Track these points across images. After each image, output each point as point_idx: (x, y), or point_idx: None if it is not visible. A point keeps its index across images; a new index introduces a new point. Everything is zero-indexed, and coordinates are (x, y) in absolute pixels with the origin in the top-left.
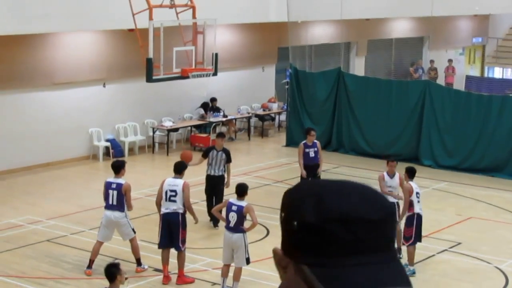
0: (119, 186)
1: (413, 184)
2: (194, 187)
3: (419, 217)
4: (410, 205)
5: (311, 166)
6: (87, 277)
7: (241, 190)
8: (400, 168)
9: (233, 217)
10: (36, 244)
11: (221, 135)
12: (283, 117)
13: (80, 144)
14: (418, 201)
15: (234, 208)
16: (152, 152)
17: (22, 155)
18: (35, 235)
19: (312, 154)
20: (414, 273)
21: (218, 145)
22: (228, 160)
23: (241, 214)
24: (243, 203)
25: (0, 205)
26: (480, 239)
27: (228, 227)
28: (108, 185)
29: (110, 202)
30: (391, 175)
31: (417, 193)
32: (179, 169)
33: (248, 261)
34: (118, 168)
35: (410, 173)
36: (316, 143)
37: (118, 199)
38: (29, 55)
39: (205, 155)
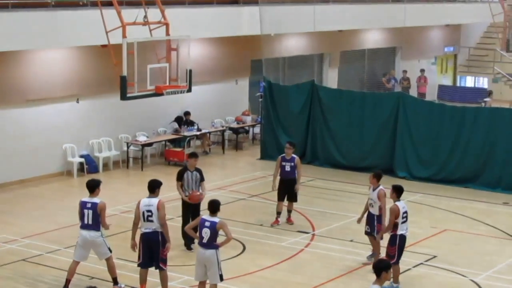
0: (94, 206)
1: (400, 204)
2: (170, 202)
3: (402, 237)
4: (394, 226)
5: (286, 180)
6: None
7: (214, 207)
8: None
9: (206, 233)
10: (11, 264)
11: (193, 155)
12: (257, 129)
13: (54, 160)
14: (404, 221)
15: (207, 224)
16: (126, 167)
17: None
18: (10, 255)
19: (288, 168)
20: None
21: (191, 165)
22: (202, 179)
23: (215, 230)
24: (216, 219)
25: None
26: (456, 251)
27: (201, 243)
28: (83, 205)
29: (86, 222)
30: (373, 190)
31: (404, 212)
32: (153, 188)
33: (221, 277)
34: (93, 187)
35: (398, 192)
36: (294, 158)
37: (94, 218)
38: (1, 73)
39: (180, 178)
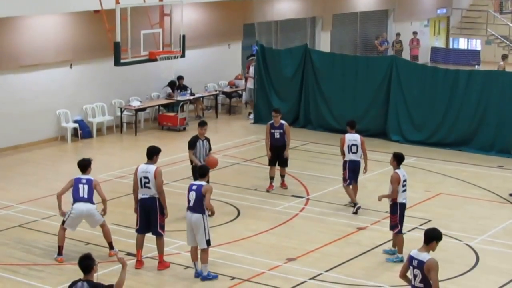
0: (89, 181)
1: (401, 172)
2: (165, 167)
3: (402, 205)
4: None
5: (276, 147)
6: (60, 263)
7: (202, 172)
8: (369, 145)
9: (192, 196)
10: (7, 230)
11: (203, 123)
12: None
13: (48, 126)
14: (404, 190)
15: (194, 187)
16: (120, 132)
17: None
18: (6, 221)
19: (277, 135)
20: (402, 260)
21: (201, 134)
22: (210, 148)
23: (200, 193)
24: (203, 183)
25: None
26: (450, 215)
27: (189, 207)
28: (77, 180)
29: (81, 195)
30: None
31: (404, 181)
32: (151, 154)
33: (208, 242)
34: (85, 167)
35: (398, 160)
36: (283, 124)
37: (89, 192)
38: None
39: (193, 146)
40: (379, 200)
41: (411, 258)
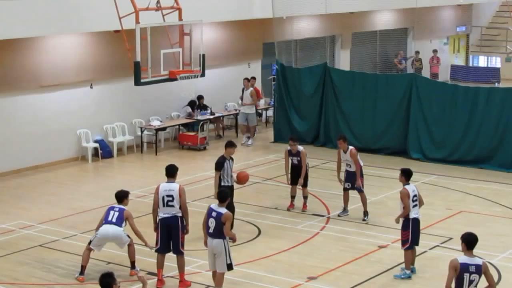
0: (121, 210)
1: (410, 187)
2: (187, 186)
3: (415, 221)
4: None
5: (297, 167)
6: (80, 283)
7: (222, 197)
8: (389, 163)
9: (212, 223)
10: (28, 250)
11: (232, 144)
12: (270, 113)
13: (69, 145)
14: (414, 205)
15: (213, 214)
16: (140, 152)
17: (10, 158)
18: (27, 240)
19: (295, 162)
20: (409, 277)
21: (230, 153)
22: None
23: (220, 221)
24: (222, 210)
25: None
26: None
27: (208, 233)
28: (110, 208)
29: (109, 219)
30: (345, 151)
31: (413, 196)
32: (172, 173)
33: (230, 266)
34: (120, 198)
35: (406, 176)
36: (299, 152)
37: (118, 217)
38: (16, 59)
39: (220, 167)
40: (396, 222)
41: (466, 265)
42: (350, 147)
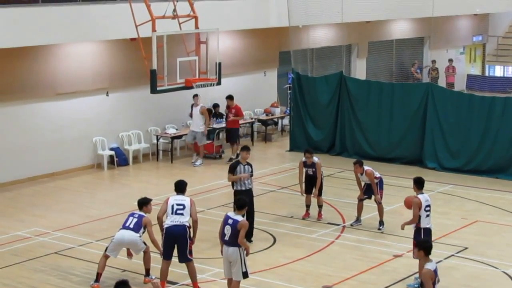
0: (140, 216)
1: (423, 197)
2: (202, 194)
3: (427, 231)
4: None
5: (311, 177)
6: None
7: (240, 204)
8: (405, 172)
9: (228, 230)
10: (44, 257)
11: (246, 148)
12: (286, 121)
13: (85, 153)
14: (427, 215)
15: (230, 221)
16: (156, 160)
17: (26, 166)
18: (42, 248)
19: (310, 173)
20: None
21: (244, 158)
22: (252, 174)
23: (235, 228)
24: (238, 218)
25: (7, 217)
26: (487, 243)
27: (224, 240)
28: (131, 214)
29: (127, 224)
30: (361, 174)
31: (426, 206)
32: (181, 188)
33: (245, 275)
34: (140, 205)
35: (419, 185)
36: (315, 164)
37: (136, 223)
38: (32, 67)
39: (233, 170)
40: (402, 229)
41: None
42: (366, 168)
